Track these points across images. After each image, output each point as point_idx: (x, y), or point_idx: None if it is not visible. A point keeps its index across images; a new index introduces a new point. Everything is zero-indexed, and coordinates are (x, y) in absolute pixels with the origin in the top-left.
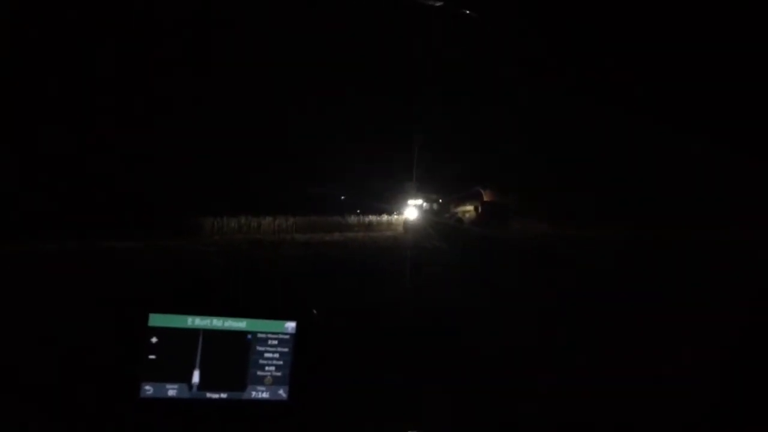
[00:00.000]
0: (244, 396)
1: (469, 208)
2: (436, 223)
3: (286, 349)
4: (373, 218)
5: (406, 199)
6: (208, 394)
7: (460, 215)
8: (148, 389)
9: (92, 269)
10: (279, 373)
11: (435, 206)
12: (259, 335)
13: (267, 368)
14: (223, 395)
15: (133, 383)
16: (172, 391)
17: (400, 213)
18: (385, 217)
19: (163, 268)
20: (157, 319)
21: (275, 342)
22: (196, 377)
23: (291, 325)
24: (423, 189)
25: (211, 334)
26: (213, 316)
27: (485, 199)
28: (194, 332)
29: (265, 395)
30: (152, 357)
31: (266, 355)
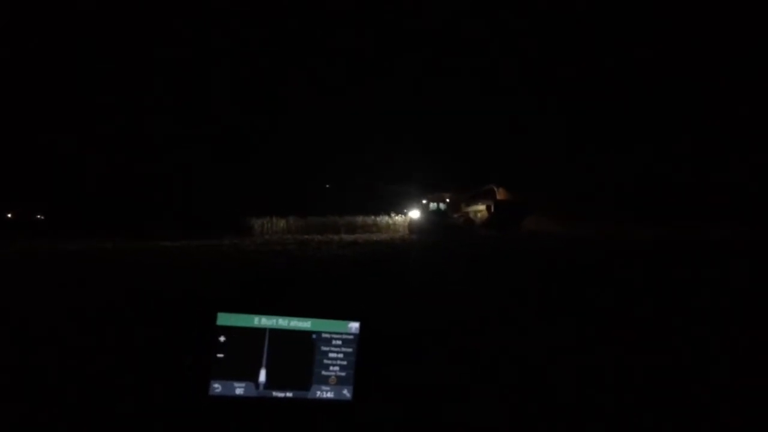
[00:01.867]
0: (309, 395)
1: (481, 207)
2: (442, 225)
3: (349, 350)
4: (374, 219)
5: (410, 199)
6: (274, 393)
7: (471, 215)
8: (217, 387)
9: (156, 268)
10: (343, 373)
11: (442, 206)
12: (324, 335)
13: (331, 368)
14: (289, 394)
15: (203, 381)
16: (239, 389)
17: (403, 214)
18: (386, 219)
19: (227, 267)
20: (225, 318)
21: (339, 342)
22: (262, 376)
23: (354, 326)
24: (429, 187)
25: (276, 333)
26: (279, 316)
27: (499, 197)
28: (261, 331)
29: (330, 395)
30: (220, 355)
31: (330, 355)
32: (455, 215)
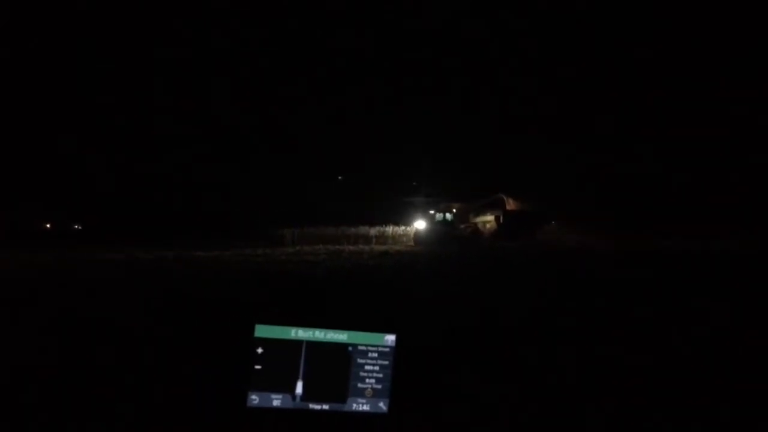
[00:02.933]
0: (345, 408)
1: (490, 218)
2: (448, 236)
3: (386, 362)
4: (378, 230)
5: (416, 208)
6: (311, 405)
7: (480, 226)
8: (255, 399)
9: (194, 278)
10: (379, 386)
11: (449, 216)
12: (360, 347)
13: (367, 380)
14: (325, 406)
15: (240, 392)
16: (276, 401)
17: (408, 224)
18: (390, 229)
19: (264, 278)
20: (263, 330)
21: (375, 354)
22: (299, 388)
23: (390, 338)
24: (438, 197)
25: (313, 345)
26: (315, 328)
27: (508, 207)
28: (298, 343)
29: (366, 407)
30: (258, 367)
31: (366, 367)
32: (462, 226)
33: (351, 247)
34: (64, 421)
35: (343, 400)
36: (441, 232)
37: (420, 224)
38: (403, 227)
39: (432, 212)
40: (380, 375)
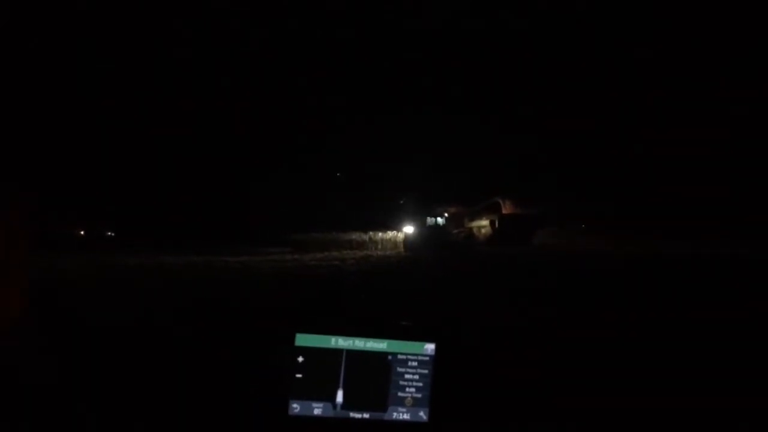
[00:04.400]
0: (386, 417)
1: (485, 222)
2: (439, 241)
3: (425, 371)
4: (366, 235)
5: (405, 213)
6: (351, 414)
7: (475, 230)
8: (296, 407)
9: (228, 284)
10: (419, 395)
11: (441, 220)
12: (399, 356)
13: (407, 389)
14: (366, 415)
15: (282, 401)
16: (317, 409)
17: (398, 229)
18: (379, 235)
19: (299, 283)
20: (303, 339)
21: (415, 363)
22: (339, 397)
23: (430, 347)
24: (429, 201)
25: (353, 354)
26: (355, 337)
27: (505, 211)
28: (338, 352)
29: (406, 416)
30: (299, 376)
31: (406, 376)
32: (455, 231)
33: (379, 252)
34: (108, 428)
35: (384, 409)
36: (432, 237)
37: (409, 229)
38: (393, 232)
39: (421, 216)
40: (420, 384)
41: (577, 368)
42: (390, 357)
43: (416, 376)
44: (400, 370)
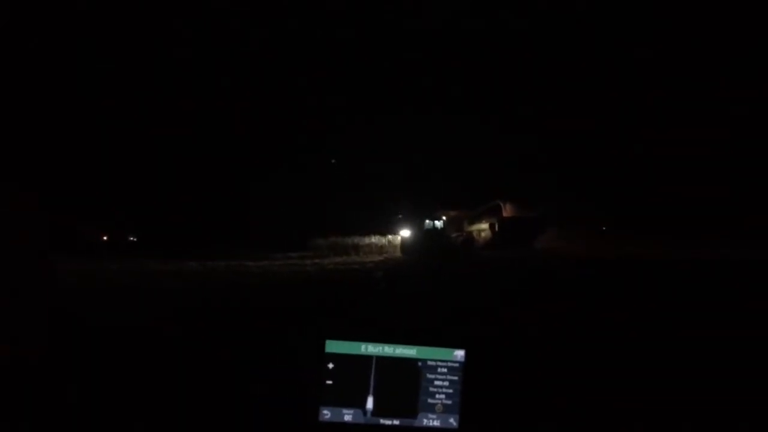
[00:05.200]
0: (416, 423)
1: (484, 226)
2: (436, 245)
3: (455, 378)
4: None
5: (402, 216)
6: (382, 420)
7: (475, 234)
8: (326, 413)
9: (254, 289)
10: (449, 402)
11: (438, 224)
12: (429, 363)
13: (437, 396)
14: (396, 422)
15: (312, 407)
16: (348, 416)
17: (394, 233)
18: (374, 239)
19: (324, 288)
20: (333, 346)
21: (444, 370)
22: (370, 403)
23: (460, 354)
24: (427, 204)
25: (383, 360)
26: (385, 344)
27: (505, 214)
28: (368, 359)
29: (436, 423)
30: (329, 382)
31: (436, 382)
32: (454, 234)
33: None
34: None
35: (414, 416)
36: (428, 241)
37: (405, 233)
38: (389, 236)
39: (418, 220)
40: (450, 390)
41: (608, 376)
42: (420, 363)
43: (446, 383)
44: (429, 376)
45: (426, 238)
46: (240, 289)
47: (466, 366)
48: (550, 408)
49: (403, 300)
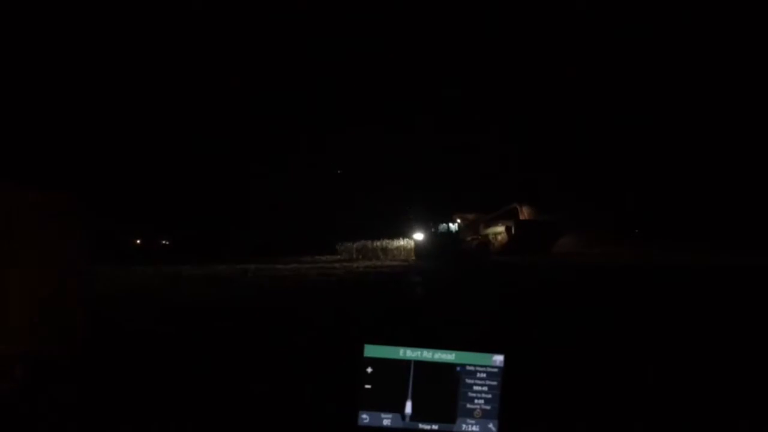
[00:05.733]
0: (455, 428)
1: (500, 229)
2: (450, 249)
3: (494, 383)
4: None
5: (416, 219)
6: (420, 425)
7: (491, 238)
8: (365, 418)
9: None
10: (488, 407)
11: (453, 227)
12: (468, 368)
13: (476, 401)
14: (435, 427)
15: (351, 412)
16: (386, 420)
17: (408, 237)
18: (402, 242)
19: (359, 291)
20: (372, 350)
21: (483, 375)
22: (408, 408)
23: (499, 358)
24: (443, 208)
25: (421, 365)
26: (423, 348)
27: (522, 217)
28: (406, 363)
29: (475, 428)
30: (368, 387)
31: (475, 387)
32: (469, 238)
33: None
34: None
35: (453, 421)
36: (442, 244)
37: (418, 236)
38: (404, 240)
39: (432, 223)
40: (489, 396)
41: (652, 383)
42: (458, 368)
43: (485, 388)
44: (468, 381)
45: (439, 242)
46: (274, 293)
47: (505, 371)
48: (589, 413)
49: (441, 304)
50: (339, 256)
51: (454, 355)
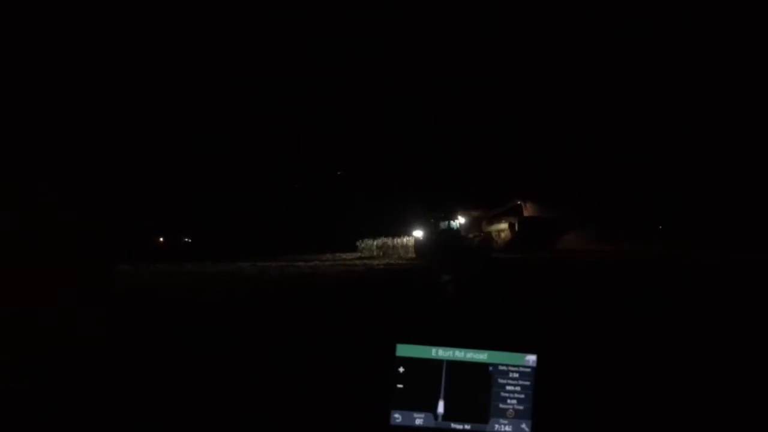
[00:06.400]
0: (488, 429)
1: (503, 226)
2: (451, 246)
3: (527, 383)
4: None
5: (415, 216)
6: (453, 425)
7: (494, 235)
8: (398, 417)
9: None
10: (521, 407)
11: (454, 224)
12: (500, 367)
13: (509, 401)
14: (467, 426)
15: (384, 411)
16: (419, 420)
17: (408, 235)
18: (405, 239)
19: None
20: (404, 350)
21: (516, 375)
22: (440, 407)
23: (532, 358)
24: (444, 204)
25: (453, 365)
26: (455, 348)
27: (526, 214)
28: (438, 363)
29: (508, 429)
30: (400, 386)
31: (508, 387)
32: (471, 235)
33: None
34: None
35: (485, 421)
36: (443, 242)
37: (418, 233)
38: (405, 238)
39: (433, 220)
40: (522, 396)
41: (690, 383)
42: (491, 368)
43: (518, 388)
44: (501, 381)
45: (440, 239)
46: (306, 289)
47: (538, 371)
48: (623, 415)
49: (473, 303)
50: (359, 254)
51: (486, 354)
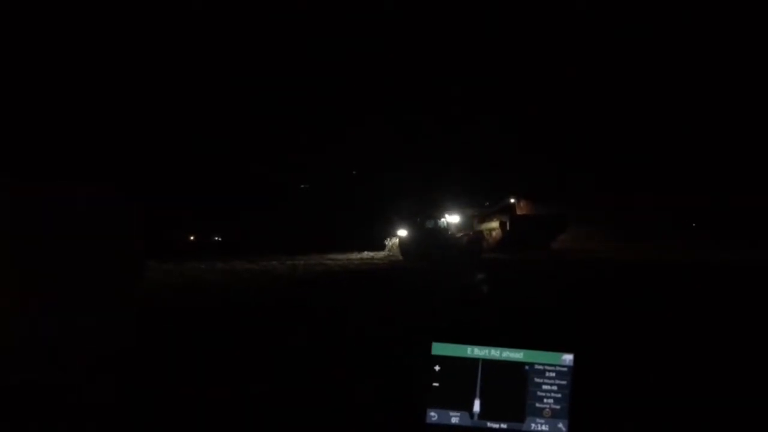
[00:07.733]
0: (524, 428)
1: (494, 224)
2: (438, 246)
3: (564, 382)
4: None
5: (400, 214)
6: (489, 424)
7: (485, 233)
8: (433, 416)
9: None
10: (557, 406)
11: (442, 222)
12: (537, 366)
13: (545, 400)
14: (503, 425)
15: (420, 409)
16: (455, 418)
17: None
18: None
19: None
20: (440, 348)
21: (552, 374)
22: (476, 406)
23: (568, 358)
24: (434, 203)
25: (489, 363)
26: (491, 347)
27: (519, 211)
28: (474, 362)
29: (545, 428)
30: (436, 384)
31: (544, 387)
32: (460, 234)
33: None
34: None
35: (521, 420)
36: (428, 241)
37: (402, 233)
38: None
39: (419, 219)
40: (558, 395)
41: (727, 382)
42: (527, 367)
43: (554, 387)
44: (537, 380)
45: (426, 239)
46: (331, 287)
47: (575, 370)
48: (662, 416)
49: (509, 302)
50: (387, 252)
51: (522, 353)
